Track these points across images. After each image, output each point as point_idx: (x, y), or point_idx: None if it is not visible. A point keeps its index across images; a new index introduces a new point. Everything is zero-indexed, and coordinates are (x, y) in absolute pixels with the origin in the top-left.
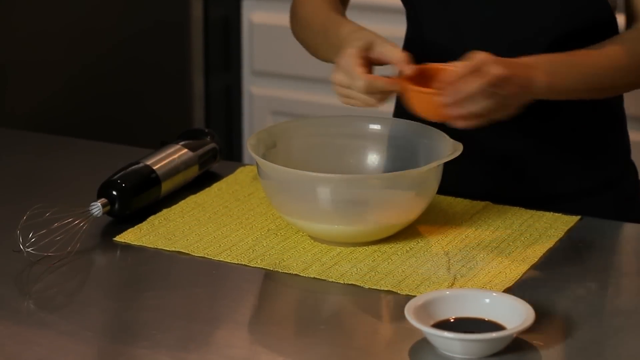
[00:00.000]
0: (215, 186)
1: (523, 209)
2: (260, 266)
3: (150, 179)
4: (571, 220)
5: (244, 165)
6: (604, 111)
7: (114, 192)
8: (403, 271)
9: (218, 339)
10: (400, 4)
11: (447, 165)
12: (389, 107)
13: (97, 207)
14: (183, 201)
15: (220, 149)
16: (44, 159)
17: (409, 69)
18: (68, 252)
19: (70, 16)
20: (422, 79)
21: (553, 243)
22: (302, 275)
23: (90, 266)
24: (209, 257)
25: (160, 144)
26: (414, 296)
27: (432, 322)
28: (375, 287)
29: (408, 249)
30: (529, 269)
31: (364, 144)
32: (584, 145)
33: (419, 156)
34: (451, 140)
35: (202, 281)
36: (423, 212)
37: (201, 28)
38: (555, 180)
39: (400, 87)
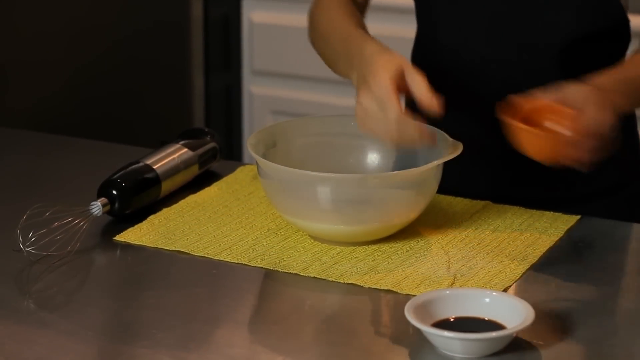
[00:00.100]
0: (215, 185)
1: (523, 208)
2: (260, 265)
3: (150, 178)
4: (571, 219)
5: (243, 164)
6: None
7: (114, 192)
8: (403, 271)
9: (218, 338)
10: (408, 4)
11: (447, 164)
12: None
13: (97, 207)
14: (183, 200)
15: (220, 148)
16: (43, 158)
17: (435, 108)
18: (68, 252)
19: (70, 16)
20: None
21: (553, 242)
22: (302, 274)
23: (90, 265)
24: (208, 256)
25: (160, 144)
26: (414, 295)
27: (432, 322)
28: (375, 287)
29: (408, 248)
30: (529, 269)
31: (364, 144)
32: None
33: (418, 156)
34: (451, 139)
35: (202, 280)
36: (423, 211)
37: (201, 27)
38: (561, 183)
39: (511, 127)
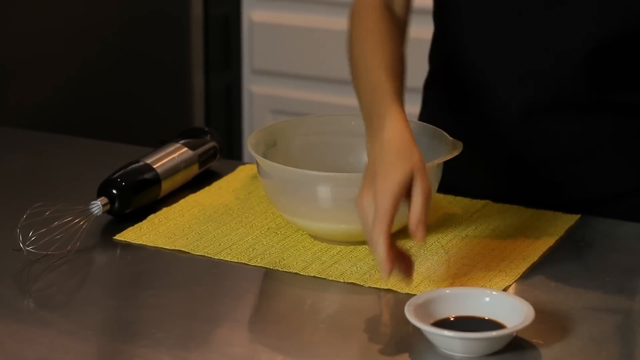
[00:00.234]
0: (215, 185)
1: (523, 207)
2: (260, 265)
3: (150, 177)
4: (571, 218)
5: (243, 163)
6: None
7: (114, 191)
8: None
9: (218, 338)
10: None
11: (447, 163)
12: None
13: (97, 206)
14: (183, 200)
15: (220, 147)
16: (43, 157)
17: (418, 237)
18: (68, 251)
19: (69, 16)
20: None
21: (553, 241)
22: (302, 273)
23: (90, 265)
24: (208, 255)
25: (160, 143)
26: (414, 295)
27: (432, 321)
28: (375, 286)
29: (408, 247)
30: (529, 268)
31: (364, 143)
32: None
33: None
34: (451, 138)
35: (202, 280)
36: None
37: (201, 26)
38: (578, 187)
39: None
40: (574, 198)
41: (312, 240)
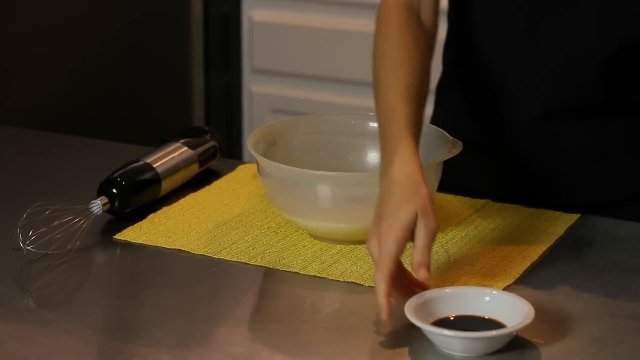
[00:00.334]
0: (215, 184)
1: (523, 207)
2: (260, 264)
3: (150, 177)
4: (571, 218)
5: (243, 163)
6: None
7: (114, 190)
8: None
9: (218, 337)
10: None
11: (447, 162)
12: None
13: (97, 205)
14: (183, 199)
15: (220, 146)
16: (43, 156)
17: (422, 276)
18: (68, 250)
19: (69, 15)
20: None
21: (553, 241)
22: (302, 273)
23: (90, 264)
24: (208, 255)
25: (160, 142)
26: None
27: (432, 320)
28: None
29: (407, 247)
30: (529, 267)
31: (364, 142)
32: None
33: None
34: (451, 138)
35: (202, 279)
36: None
37: (201, 26)
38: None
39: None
40: (585, 202)
41: (312, 239)
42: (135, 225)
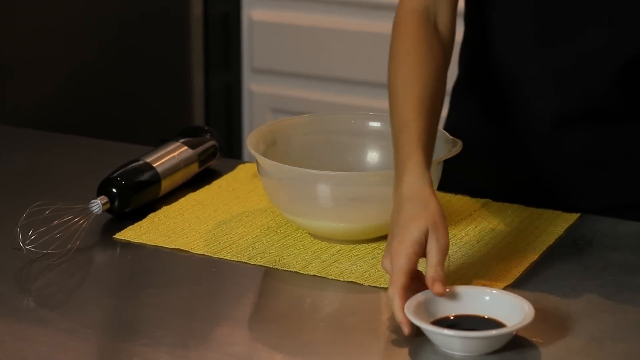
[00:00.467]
0: (215, 184)
1: (523, 206)
2: (260, 264)
3: (150, 176)
4: (571, 217)
5: (243, 162)
6: None
7: (114, 190)
8: None
9: (218, 337)
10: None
11: (447, 162)
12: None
13: (96, 205)
14: (183, 199)
15: (220, 146)
16: (43, 156)
17: (437, 290)
18: (68, 250)
19: (69, 15)
20: None
21: (553, 240)
22: (302, 272)
23: (90, 264)
24: (208, 254)
25: (160, 142)
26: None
27: (431, 320)
28: (375, 285)
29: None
30: (529, 267)
31: (363, 142)
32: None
33: None
34: (451, 137)
35: (201, 279)
36: None
37: (201, 25)
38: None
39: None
40: (597, 207)
41: (311, 239)
42: (135, 224)
